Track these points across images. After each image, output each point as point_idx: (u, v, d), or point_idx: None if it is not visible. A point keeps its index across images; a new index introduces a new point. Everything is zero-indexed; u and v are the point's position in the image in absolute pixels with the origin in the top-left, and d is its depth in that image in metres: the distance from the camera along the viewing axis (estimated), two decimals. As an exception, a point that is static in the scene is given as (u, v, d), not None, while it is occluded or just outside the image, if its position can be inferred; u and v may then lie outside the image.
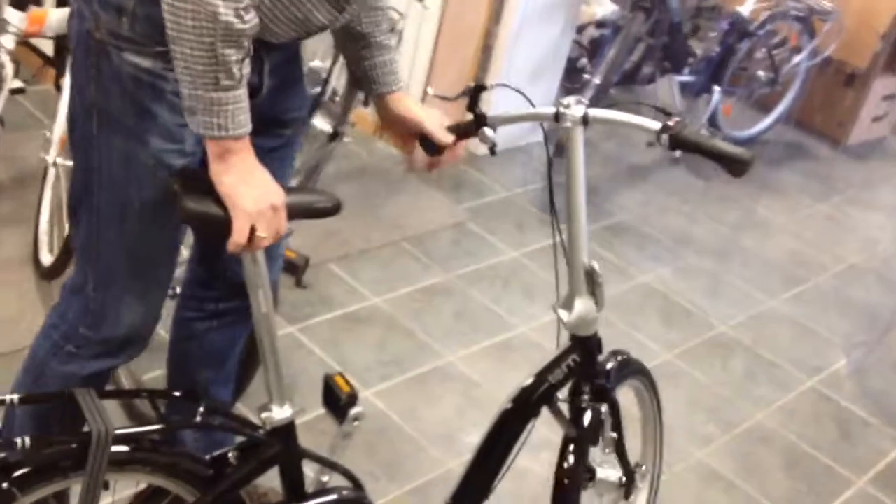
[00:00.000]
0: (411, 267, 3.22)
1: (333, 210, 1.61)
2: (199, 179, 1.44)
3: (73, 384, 1.58)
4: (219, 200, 1.43)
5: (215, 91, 1.35)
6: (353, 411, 1.66)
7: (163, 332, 2.01)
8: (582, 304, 1.76)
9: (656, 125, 1.61)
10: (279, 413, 1.59)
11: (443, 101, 1.84)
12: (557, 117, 1.66)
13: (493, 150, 1.74)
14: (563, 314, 1.77)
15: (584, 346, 1.82)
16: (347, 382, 1.71)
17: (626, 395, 2.06)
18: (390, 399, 2.63)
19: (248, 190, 1.41)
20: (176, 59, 1.34)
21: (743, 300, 3.51)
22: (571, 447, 1.83)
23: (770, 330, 3.36)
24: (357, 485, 1.73)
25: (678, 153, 4.42)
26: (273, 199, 1.44)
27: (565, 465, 1.82)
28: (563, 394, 1.88)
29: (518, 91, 1.80)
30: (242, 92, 1.38)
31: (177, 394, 1.61)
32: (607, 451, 1.96)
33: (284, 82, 1.64)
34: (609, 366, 1.90)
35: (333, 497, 1.71)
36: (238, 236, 1.42)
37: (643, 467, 2.07)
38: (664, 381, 2.97)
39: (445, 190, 3.71)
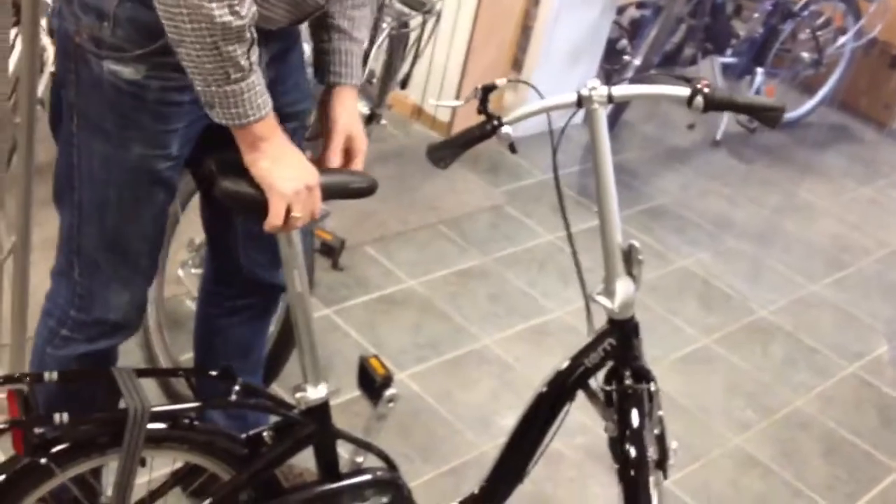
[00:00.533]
0: (447, 250, 3.22)
1: (369, 190, 1.60)
2: (235, 159, 1.44)
3: (71, 367, 1.61)
4: (254, 180, 1.43)
5: (227, 85, 1.35)
6: (388, 393, 1.66)
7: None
8: (622, 287, 1.75)
9: (686, 91, 1.59)
10: (314, 393, 1.59)
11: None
12: (580, 102, 1.64)
13: (513, 149, 1.71)
14: (606, 302, 1.75)
15: (623, 329, 1.80)
16: (382, 364, 1.71)
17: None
18: (425, 382, 2.63)
19: (283, 171, 1.42)
20: (183, 60, 1.34)
21: (784, 285, 3.46)
22: (630, 438, 1.81)
23: (811, 315, 3.31)
24: (391, 466, 1.74)
25: (719, 135, 4.38)
26: (308, 180, 1.44)
27: (630, 456, 1.80)
28: (598, 379, 1.87)
29: (528, 84, 1.77)
30: (255, 77, 1.37)
31: (213, 373, 1.62)
32: (656, 431, 1.94)
33: (284, 74, 1.61)
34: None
35: (368, 477, 1.71)
36: (274, 218, 1.43)
37: (675, 444, 2.05)
38: (702, 365, 2.95)
39: (482, 173, 3.70)
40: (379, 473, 1.72)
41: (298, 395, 1.60)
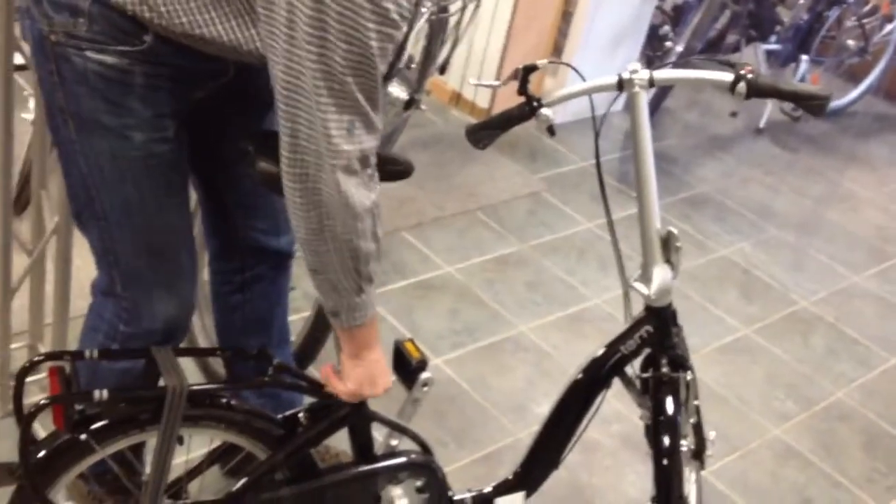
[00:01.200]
0: (485, 236, 3.21)
1: (405, 173, 1.60)
2: (271, 139, 1.44)
3: (129, 379, 1.60)
4: None
5: (358, 296, 1.44)
6: (423, 377, 1.66)
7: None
8: (660, 274, 1.73)
9: (728, 76, 1.57)
10: None
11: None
12: (620, 85, 1.62)
13: (551, 131, 1.70)
14: (642, 288, 1.74)
15: (660, 316, 1.79)
16: (417, 348, 1.71)
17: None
18: (461, 367, 2.63)
19: (368, 379, 1.55)
20: (319, 283, 1.43)
21: (826, 275, 3.41)
22: (665, 426, 1.80)
23: (853, 306, 3.26)
24: (426, 449, 1.74)
25: (762, 123, 4.33)
26: (385, 386, 1.57)
27: (663, 444, 1.79)
28: (635, 367, 1.86)
29: (570, 66, 1.76)
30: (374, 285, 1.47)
31: (251, 353, 1.63)
32: (692, 420, 1.93)
33: None
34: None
35: (402, 460, 1.72)
36: (340, 394, 1.57)
37: (713, 434, 2.03)
38: (742, 356, 2.92)
39: (521, 159, 3.68)
40: (413, 456, 1.72)
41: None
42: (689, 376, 1.81)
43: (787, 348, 2.98)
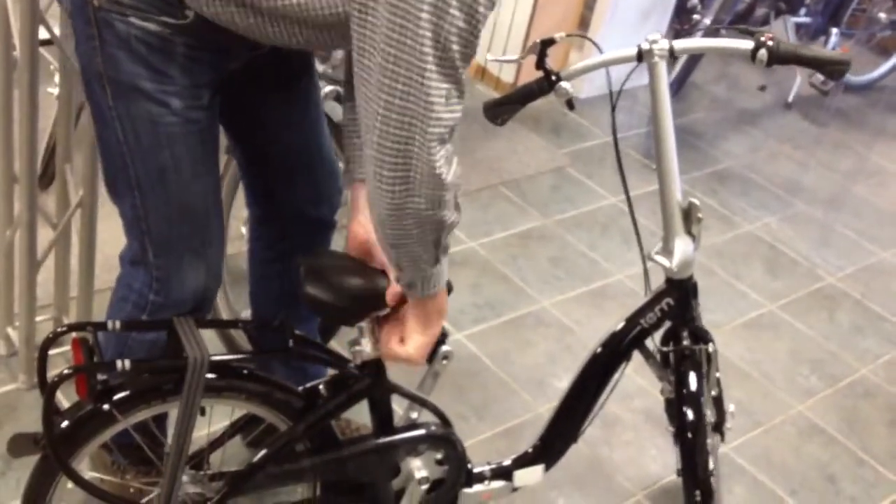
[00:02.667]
0: (508, 211, 3.20)
1: None
2: (321, 265, 1.59)
3: (158, 350, 1.59)
4: (338, 288, 1.55)
5: (434, 267, 1.45)
6: (443, 350, 1.67)
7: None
8: (681, 246, 1.72)
9: (749, 44, 1.55)
10: (369, 346, 1.60)
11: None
12: (640, 56, 1.61)
13: (570, 105, 1.69)
14: (663, 260, 1.73)
15: (680, 288, 1.78)
16: (438, 322, 1.72)
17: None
18: (483, 342, 2.63)
19: (427, 339, 1.56)
20: (397, 256, 1.43)
21: (853, 251, 3.38)
22: (688, 400, 1.79)
23: (881, 283, 3.23)
24: (446, 422, 1.75)
25: (791, 98, 4.28)
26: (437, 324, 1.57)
27: (687, 418, 1.79)
28: (655, 340, 1.85)
29: (588, 39, 1.74)
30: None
31: (272, 325, 1.64)
32: (713, 392, 1.93)
33: None
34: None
35: (422, 432, 1.73)
36: (392, 354, 1.59)
37: (733, 407, 2.02)
38: (767, 332, 2.90)
39: (545, 134, 3.66)
40: (433, 429, 1.73)
41: (355, 349, 1.61)
42: (710, 348, 1.81)
43: (813, 324, 2.96)
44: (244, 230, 2.42)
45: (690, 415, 1.79)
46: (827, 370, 2.79)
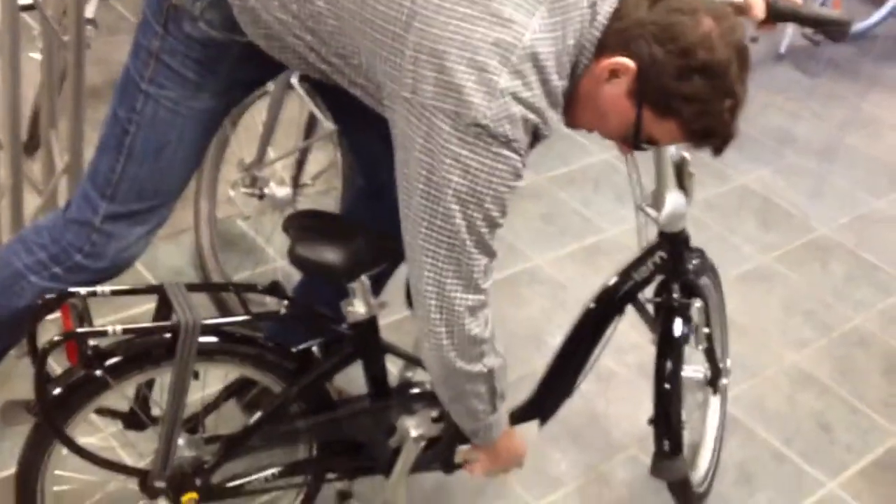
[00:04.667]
0: (500, 169, 3.18)
1: None
2: (311, 224, 1.61)
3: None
4: (329, 245, 1.56)
5: (492, 416, 1.57)
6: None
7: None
8: (672, 199, 1.72)
9: None
10: (361, 307, 1.60)
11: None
12: None
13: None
14: (653, 212, 1.73)
15: (673, 242, 1.77)
16: (430, 281, 1.71)
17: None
18: (477, 300, 2.63)
19: (508, 462, 1.73)
20: (458, 412, 1.55)
21: (846, 201, 3.37)
22: (669, 350, 1.80)
23: (874, 232, 3.23)
24: None
25: (783, 49, 4.25)
26: (521, 460, 1.75)
27: (665, 369, 1.80)
28: (647, 294, 1.85)
29: None
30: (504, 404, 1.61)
31: (261, 287, 1.64)
32: (700, 347, 1.93)
33: None
34: (693, 262, 1.85)
35: (416, 391, 1.73)
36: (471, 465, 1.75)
37: (728, 362, 2.03)
38: (760, 283, 2.91)
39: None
40: (427, 387, 1.73)
41: (347, 309, 1.61)
42: (697, 303, 1.81)
43: (806, 275, 2.96)
44: (232, 193, 2.41)
45: (668, 365, 1.79)
46: (820, 320, 2.80)
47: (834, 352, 2.68)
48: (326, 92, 1.76)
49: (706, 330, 1.91)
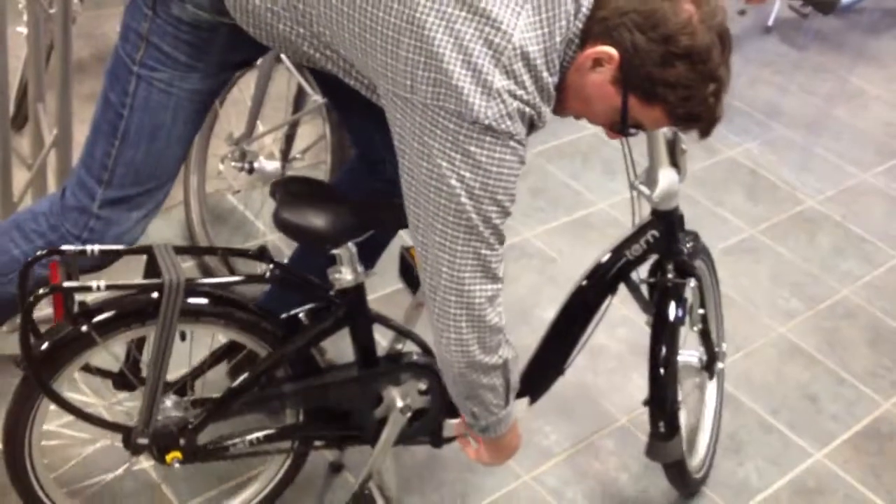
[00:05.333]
0: (489, 142, 3.18)
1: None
2: (297, 189, 1.60)
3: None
4: (312, 211, 1.56)
5: (504, 409, 1.57)
6: (427, 282, 1.67)
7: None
8: (665, 176, 1.72)
9: None
10: (348, 274, 1.60)
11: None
12: None
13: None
14: (646, 189, 1.73)
15: (666, 220, 1.77)
16: (421, 254, 1.71)
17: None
18: (467, 273, 2.63)
19: (504, 453, 1.72)
20: (473, 405, 1.56)
21: (833, 174, 3.39)
22: (664, 332, 1.81)
23: (861, 204, 3.25)
24: (428, 352, 1.76)
25: (771, 21, 4.24)
26: (515, 452, 1.73)
27: (660, 352, 1.81)
28: (640, 274, 1.85)
29: None
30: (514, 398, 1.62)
31: (248, 251, 1.65)
32: (695, 328, 1.93)
33: None
34: (688, 244, 1.86)
35: (403, 361, 1.74)
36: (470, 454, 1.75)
37: (724, 346, 2.04)
38: (747, 256, 2.92)
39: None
40: (415, 358, 1.74)
41: (334, 276, 1.61)
42: (692, 283, 1.81)
43: (793, 248, 2.98)
44: (221, 167, 2.41)
45: (664, 348, 1.80)
46: (807, 292, 2.82)
47: (821, 323, 2.71)
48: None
49: (701, 311, 1.91)
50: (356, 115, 1.79)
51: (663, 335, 1.80)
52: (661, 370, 1.80)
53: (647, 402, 1.84)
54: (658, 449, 1.85)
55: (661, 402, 1.81)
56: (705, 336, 1.99)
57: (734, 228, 3.01)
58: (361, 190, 1.85)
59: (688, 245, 1.85)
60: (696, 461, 2.10)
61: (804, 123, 3.67)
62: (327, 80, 1.83)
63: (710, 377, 2.12)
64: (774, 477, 2.23)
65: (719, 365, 2.06)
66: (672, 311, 1.79)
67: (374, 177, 1.81)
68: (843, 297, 2.81)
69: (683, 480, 2.02)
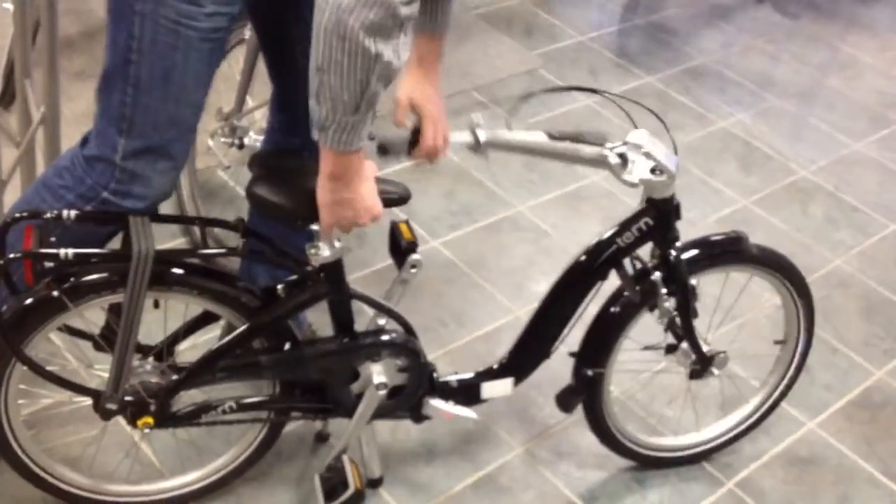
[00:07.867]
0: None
1: (401, 200, 1.61)
2: (274, 164, 1.59)
3: (91, 243, 1.56)
4: (290, 192, 1.54)
5: (353, 115, 1.36)
6: (412, 258, 1.67)
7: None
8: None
9: None
10: (326, 249, 1.60)
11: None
12: None
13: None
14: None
15: (660, 208, 1.75)
16: (411, 230, 1.71)
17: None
18: (459, 248, 2.63)
19: (352, 206, 1.48)
20: (321, 84, 1.33)
21: (826, 144, 3.38)
22: (622, 295, 1.83)
23: (853, 174, 3.24)
24: (409, 330, 1.75)
25: (763, -9, 4.22)
26: (373, 215, 1.51)
27: (610, 309, 1.83)
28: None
29: None
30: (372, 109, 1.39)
31: (225, 222, 1.64)
32: (660, 321, 1.91)
33: None
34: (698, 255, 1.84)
35: (382, 338, 1.73)
36: (325, 231, 1.55)
37: (723, 354, 2.02)
38: (740, 227, 2.89)
39: (516, 36, 3.61)
40: (394, 335, 1.74)
41: (311, 251, 1.60)
42: (656, 275, 1.80)
43: (786, 218, 2.98)
44: (211, 143, 2.40)
45: (617, 307, 1.84)
46: (800, 262, 2.79)
47: (814, 293, 2.70)
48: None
49: (668, 308, 1.85)
50: (293, 74, 1.75)
51: (619, 298, 1.82)
52: (602, 324, 1.84)
53: (573, 354, 1.86)
54: (571, 400, 1.90)
55: (583, 358, 1.86)
56: (692, 341, 1.95)
57: (727, 199, 3.01)
58: (281, 146, 1.88)
59: (696, 254, 1.83)
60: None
61: (797, 93, 3.66)
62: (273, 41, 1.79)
63: (692, 376, 2.07)
64: (767, 446, 2.24)
65: (714, 371, 2.04)
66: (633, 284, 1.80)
67: (290, 136, 1.82)
68: (835, 267, 2.82)
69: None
